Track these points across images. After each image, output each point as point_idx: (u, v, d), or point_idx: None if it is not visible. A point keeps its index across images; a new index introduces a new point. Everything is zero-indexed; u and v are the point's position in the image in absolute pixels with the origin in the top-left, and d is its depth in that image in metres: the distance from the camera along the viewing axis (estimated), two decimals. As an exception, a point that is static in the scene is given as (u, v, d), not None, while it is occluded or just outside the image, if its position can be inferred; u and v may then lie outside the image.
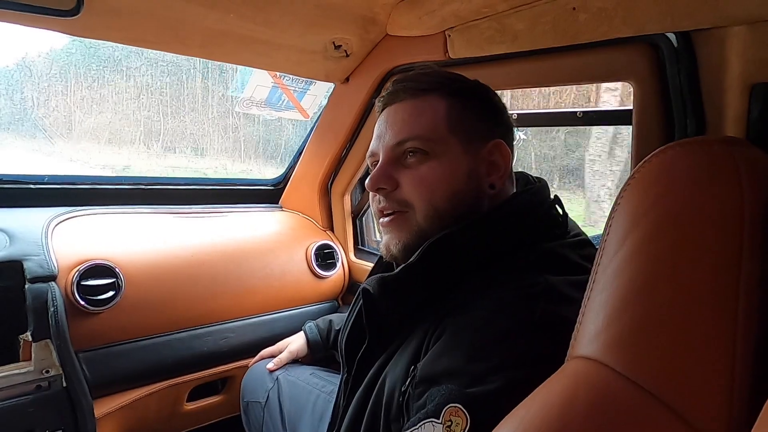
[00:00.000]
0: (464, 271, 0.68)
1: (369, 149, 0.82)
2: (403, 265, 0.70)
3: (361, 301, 0.73)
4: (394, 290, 0.70)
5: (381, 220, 0.79)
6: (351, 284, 1.68)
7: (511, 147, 0.79)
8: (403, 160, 0.75)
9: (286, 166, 1.86)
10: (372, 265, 1.61)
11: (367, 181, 0.77)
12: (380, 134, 0.79)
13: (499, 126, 0.79)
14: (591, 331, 0.46)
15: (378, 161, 0.78)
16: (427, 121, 0.74)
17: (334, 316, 1.30)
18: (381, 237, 0.82)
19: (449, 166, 0.73)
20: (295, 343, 1.25)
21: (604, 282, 0.48)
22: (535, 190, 0.76)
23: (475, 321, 0.60)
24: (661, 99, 0.90)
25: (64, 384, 1.09)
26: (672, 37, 0.88)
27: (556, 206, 0.77)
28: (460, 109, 0.75)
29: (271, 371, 1.18)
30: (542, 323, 0.57)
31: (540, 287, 0.61)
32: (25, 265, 1.09)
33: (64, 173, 1.41)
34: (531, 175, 0.85)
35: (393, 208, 0.76)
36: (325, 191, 1.74)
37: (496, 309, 0.60)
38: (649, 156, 0.49)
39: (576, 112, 1.12)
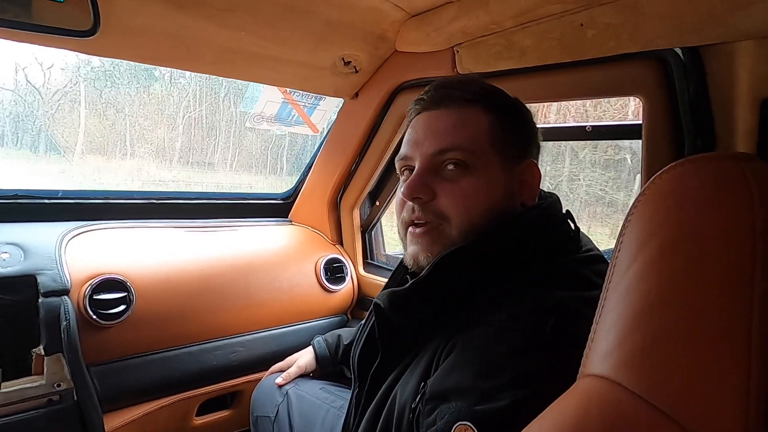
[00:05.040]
0: (475, 286, 0.68)
1: (401, 153, 0.79)
2: (413, 280, 0.70)
3: (374, 317, 0.73)
4: (405, 305, 0.70)
5: (411, 229, 0.76)
6: (360, 298, 1.68)
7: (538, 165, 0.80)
8: (441, 170, 0.73)
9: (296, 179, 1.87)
10: (381, 278, 1.63)
11: (402, 188, 0.74)
12: (417, 140, 0.75)
13: (532, 146, 0.79)
14: (603, 349, 0.46)
15: (410, 166, 0.76)
16: (470, 133, 0.72)
17: (342, 331, 1.30)
18: (406, 245, 0.78)
19: (488, 181, 0.72)
20: (304, 357, 1.25)
21: (615, 299, 0.47)
22: (546, 204, 0.76)
23: (485, 337, 0.60)
24: (671, 114, 0.90)
25: (75, 398, 1.10)
26: (680, 52, 0.88)
27: (568, 221, 0.77)
28: (502, 125, 0.74)
29: (280, 386, 1.18)
30: (552, 340, 0.57)
31: (550, 303, 0.60)
32: (39, 279, 1.10)
33: (77, 188, 1.43)
34: (543, 190, 0.84)
35: (427, 219, 0.73)
36: (335, 205, 1.75)
37: (506, 325, 0.60)
38: (659, 172, 0.49)
39: (585, 127, 1.12)
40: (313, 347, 1.26)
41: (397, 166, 0.81)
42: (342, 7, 1.11)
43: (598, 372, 0.46)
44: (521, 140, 0.77)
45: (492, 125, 0.73)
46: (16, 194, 1.31)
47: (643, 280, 0.45)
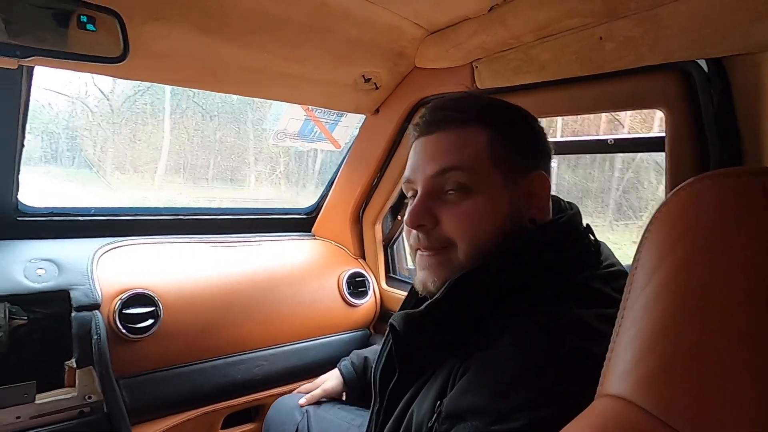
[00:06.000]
0: (490, 306, 0.67)
1: (404, 176, 0.78)
2: (428, 301, 0.70)
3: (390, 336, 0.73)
4: (419, 327, 0.69)
5: (419, 253, 0.75)
6: (383, 312, 1.68)
7: (549, 175, 0.76)
8: (443, 194, 0.72)
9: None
10: (403, 292, 1.63)
11: (405, 216, 0.73)
12: (417, 165, 0.75)
13: (539, 157, 0.75)
14: (620, 369, 0.45)
15: (414, 189, 0.75)
16: (469, 152, 0.70)
17: (369, 352, 1.27)
18: (416, 271, 0.78)
19: (491, 200, 0.70)
20: (330, 381, 1.23)
21: (632, 317, 0.47)
22: (565, 219, 0.73)
23: (500, 356, 0.59)
24: (695, 126, 0.88)
25: (105, 410, 1.13)
26: (703, 63, 0.87)
27: (589, 235, 0.74)
28: (502, 141, 0.71)
29: (302, 406, 1.17)
30: (568, 358, 0.55)
31: (566, 320, 0.59)
32: (72, 294, 1.15)
33: (108, 205, 1.48)
34: (563, 200, 0.82)
35: (433, 246, 0.72)
36: (357, 219, 1.76)
37: (521, 344, 0.59)
38: (676, 189, 0.48)
39: (607, 140, 1.11)
40: (341, 371, 1.24)
41: (403, 188, 0.80)
42: (362, 26, 1.14)
43: (616, 392, 0.45)
44: (525, 153, 0.73)
45: (491, 141, 0.71)
46: (51, 212, 1.36)
47: (660, 298, 0.45)
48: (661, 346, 0.43)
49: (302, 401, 1.19)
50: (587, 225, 0.76)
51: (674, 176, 0.90)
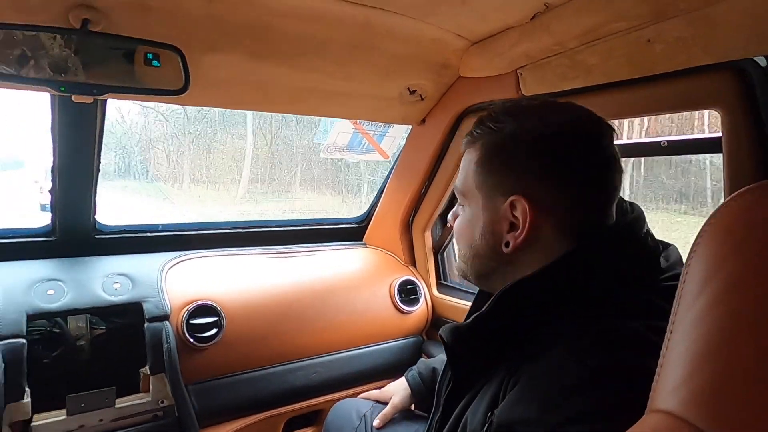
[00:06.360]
0: (539, 318, 0.67)
1: None
2: (475, 314, 0.71)
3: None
4: (467, 339, 0.71)
5: None
6: (435, 319, 1.70)
7: (546, 199, 0.69)
8: None
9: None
10: (455, 299, 1.64)
11: None
12: None
13: (522, 180, 0.70)
14: (670, 384, 0.45)
15: None
16: (464, 174, 0.76)
17: (437, 362, 1.26)
18: None
19: (470, 219, 0.76)
20: (398, 395, 1.21)
21: (682, 332, 0.46)
22: (621, 226, 0.70)
23: (551, 368, 0.60)
24: (754, 126, 0.84)
25: (177, 414, 1.21)
26: (761, 59, 0.83)
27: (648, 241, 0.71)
28: (487, 162, 0.72)
29: (378, 428, 1.16)
30: (620, 372, 0.55)
31: (617, 334, 0.59)
32: (144, 306, 1.24)
33: (175, 221, 1.59)
34: (625, 202, 0.77)
35: None
36: (407, 227, 1.79)
37: (571, 356, 0.59)
38: (728, 199, 0.47)
39: (660, 142, 1.08)
40: (408, 383, 1.23)
41: None
42: (405, 41, 1.17)
43: (666, 408, 0.45)
44: (504, 175, 0.71)
45: (477, 164, 0.73)
46: (124, 229, 1.48)
47: (710, 314, 0.44)
48: (711, 363, 0.43)
49: (376, 423, 1.17)
50: (647, 231, 0.72)
51: (732, 180, 0.86)
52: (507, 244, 0.71)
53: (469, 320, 0.71)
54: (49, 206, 1.32)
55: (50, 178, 1.25)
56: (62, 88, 0.84)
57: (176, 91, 0.89)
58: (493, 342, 0.70)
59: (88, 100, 0.95)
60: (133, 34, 0.88)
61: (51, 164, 1.21)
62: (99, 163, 1.26)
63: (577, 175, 0.69)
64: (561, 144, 0.70)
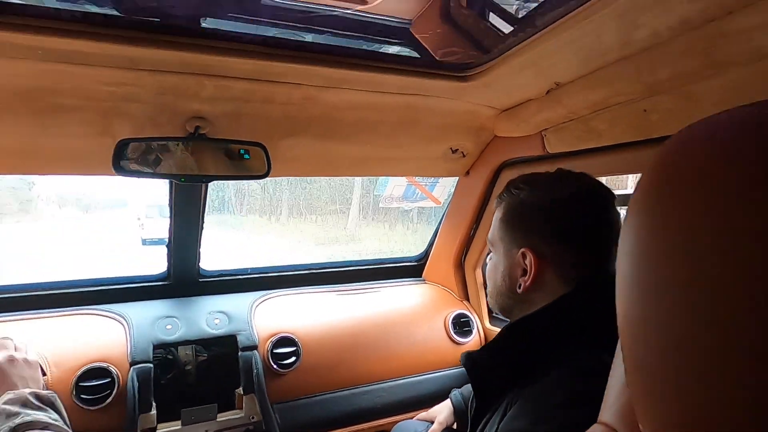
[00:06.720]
0: (537, 349, 0.85)
1: None
2: (483, 345, 0.90)
3: None
4: (478, 365, 0.90)
5: None
6: (488, 349, 1.85)
7: (548, 253, 0.87)
8: None
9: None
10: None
11: None
12: None
13: (532, 236, 0.89)
14: (609, 400, 0.62)
15: None
16: (492, 228, 0.98)
17: None
18: None
19: (496, 264, 0.96)
20: (443, 413, 1.41)
21: (619, 358, 0.62)
22: (613, 276, 0.87)
23: (542, 392, 0.77)
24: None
25: (264, 428, 1.47)
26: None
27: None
28: (507, 220, 0.94)
29: None
30: (591, 396, 0.70)
31: (592, 364, 0.75)
32: (238, 338, 1.52)
33: (261, 265, 1.90)
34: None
35: None
36: (459, 265, 1.98)
37: (558, 382, 0.77)
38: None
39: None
40: (451, 401, 1.42)
41: None
42: (444, 115, 1.39)
43: (604, 420, 0.61)
44: (518, 231, 0.92)
45: (501, 220, 0.95)
46: (221, 273, 1.80)
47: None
48: (635, 382, 0.58)
49: None
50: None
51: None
52: (519, 286, 0.91)
53: (479, 349, 0.90)
54: (149, 240, 1.67)
55: (167, 230, 1.59)
56: (182, 179, 1.15)
57: (261, 175, 1.18)
58: (502, 368, 0.88)
59: (198, 186, 1.26)
60: (229, 136, 1.19)
61: (168, 227, 1.56)
62: (203, 222, 1.58)
63: (575, 236, 0.88)
64: (562, 210, 0.89)
